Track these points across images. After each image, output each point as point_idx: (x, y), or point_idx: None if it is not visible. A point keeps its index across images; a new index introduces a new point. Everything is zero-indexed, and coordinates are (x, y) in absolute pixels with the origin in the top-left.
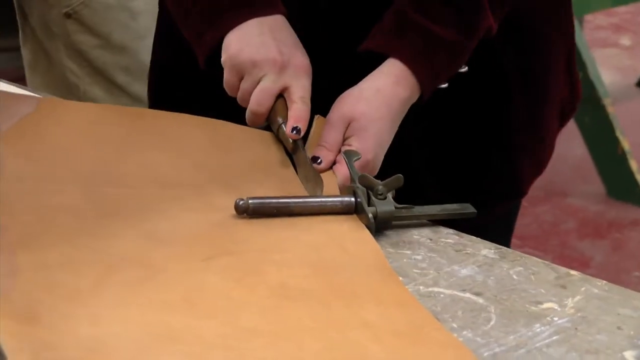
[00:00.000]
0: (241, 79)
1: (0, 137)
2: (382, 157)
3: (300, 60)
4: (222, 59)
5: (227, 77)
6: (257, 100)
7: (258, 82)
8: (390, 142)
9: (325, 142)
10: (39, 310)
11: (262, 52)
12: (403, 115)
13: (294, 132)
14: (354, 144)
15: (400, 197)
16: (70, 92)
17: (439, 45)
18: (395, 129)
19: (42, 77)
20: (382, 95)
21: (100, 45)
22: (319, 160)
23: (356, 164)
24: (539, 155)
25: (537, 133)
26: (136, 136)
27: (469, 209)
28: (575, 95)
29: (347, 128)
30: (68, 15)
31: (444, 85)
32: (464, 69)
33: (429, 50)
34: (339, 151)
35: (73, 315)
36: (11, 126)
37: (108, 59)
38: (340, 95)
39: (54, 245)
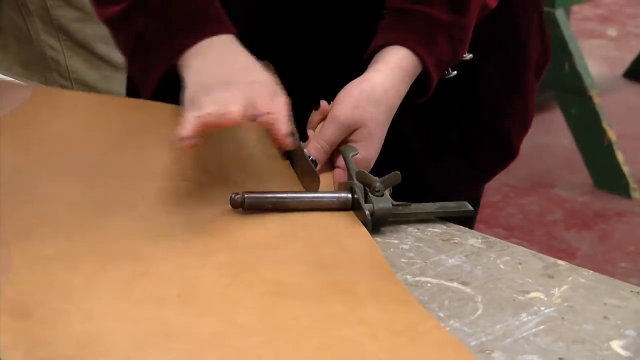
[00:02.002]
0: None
1: None
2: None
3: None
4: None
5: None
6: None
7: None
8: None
9: (326, 141)
10: (32, 305)
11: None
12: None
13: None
14: (361, 150)
15: (398, 185)
16: (49, 67)
17: (438, 26)
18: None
19: (15, 56)
20: (389, 97)
21: (79, 17)
22: (314, 162)
23: (356, 164)
24: (522, 114)
25: (519, 95)
26: (133, 129)
27: (466, 207)
28: (548, 53)
29: (351, 131)
30: None
31: (453, 74)
32: (469, 56)
33: (430, 33)
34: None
35: (66, 310)
36: (6, 115)
37: (88, 30)
38: (348, 89)
39: (49, 238)
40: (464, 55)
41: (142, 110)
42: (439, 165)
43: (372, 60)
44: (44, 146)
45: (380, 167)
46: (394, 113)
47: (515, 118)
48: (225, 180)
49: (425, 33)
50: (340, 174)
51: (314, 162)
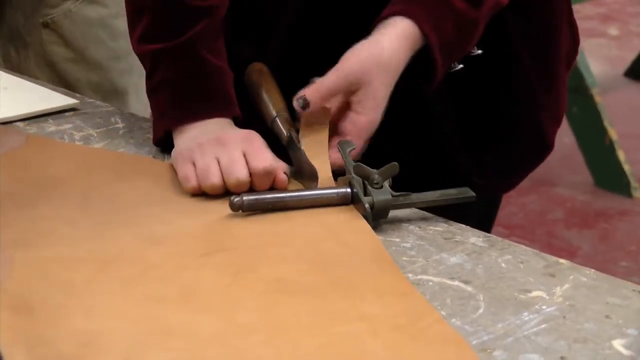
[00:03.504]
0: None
1: None
2: (381, 115)
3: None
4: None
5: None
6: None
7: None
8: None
9: (325, 86)
10: (34, 303)
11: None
12: None
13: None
14: (363, 111)
15: (436, 179)
16: None
17: (449, 11)
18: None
19: None
20: (394, 60)
21: (73, 59)
22: (306, 101)
23: (359, 128)
24: (556, 106)
25: (551, 88)
26: (125, 172)
27: (467, 192)
28: (576, 42)
29: (353, 88)
30: (45, 25)
31: (460, 67)
32: (477, 52)
33: (439, 15)
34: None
35: (67, 308)
36: (1, 155)
37: (79, 74)
38: (357, 49)
39: (49, 246)
40: (473, 50)
41: (130, 159)
42: (474, 158)
43: (378, 27)
44: (38, 182)
45: (417, 161)
46: (396, 79)
47: (547, 110)
48: (223, 197)
49: (435, 13)
50: (335, 157)
51: (306, 101)
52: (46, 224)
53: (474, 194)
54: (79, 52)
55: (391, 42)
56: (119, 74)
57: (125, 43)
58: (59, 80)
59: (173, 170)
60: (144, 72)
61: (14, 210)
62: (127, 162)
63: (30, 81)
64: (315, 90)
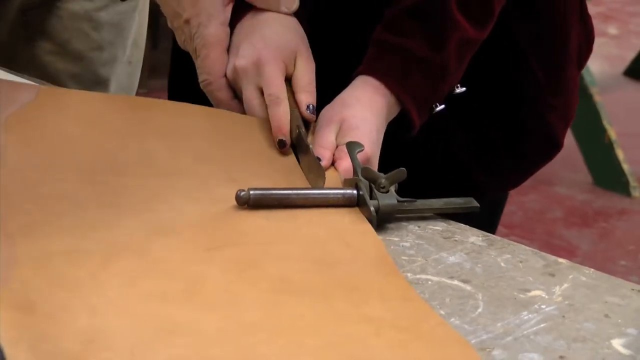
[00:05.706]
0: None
1: (0, 124)
2: (378, 155)
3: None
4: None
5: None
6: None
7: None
8: (380, 143)
9: (320, 144)
10: (37, 300)
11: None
12: (386, 121)
13: (309, 111)
14: (349, 134)
15: (445, 183)
16: None
17: (415, 62)
18: (382, 131)
19: None
20: (361, 102)
21: (55, 51)
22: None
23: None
24: (565, 107)
25: (560, 89)
26: (137, 125)
27: (472, 203)
28: (590, 38)
29: (338, 131)
30: (23, 13)
31: (441, 107)
32: (461, 90)
33: (403, 66)
34: (335, 149)
35: (71, 305)
36: (11, 114)
37: (60, 65)
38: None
39: (54, 235)
40: (456, 88)
41: (143, 107)
42: (486, 162)
43: (351, 86)
44: (48, 145)
45: (427, 169)
46: (379, 116)
47: (556, 111)
48: (230, 176)
49: (397, 68)
50: (346, 167)
51: (319, 158)
52: (53, 207)
53: (478, 205)
54: (61, 45)
55: (357, 91)
56: (101, 65)
57: (108, 34)
58: (39, 72)
59: (181, 115)
60: (125, 61)
61: (21, 189)
62: (137, 108)
63: (32, 81)
64: (323, 151)
